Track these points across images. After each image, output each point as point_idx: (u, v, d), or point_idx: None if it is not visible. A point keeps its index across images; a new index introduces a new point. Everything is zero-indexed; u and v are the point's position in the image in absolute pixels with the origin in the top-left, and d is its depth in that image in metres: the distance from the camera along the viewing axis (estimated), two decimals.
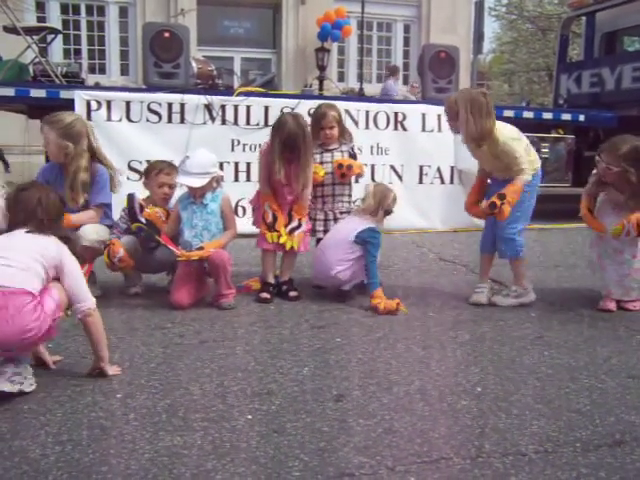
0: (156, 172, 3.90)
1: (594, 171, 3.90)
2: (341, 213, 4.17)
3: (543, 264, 4.68)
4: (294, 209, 3.95)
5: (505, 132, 3.72)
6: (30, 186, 2.65)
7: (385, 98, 7.53)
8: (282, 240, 3.87)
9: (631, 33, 9.36)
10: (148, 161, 5.46)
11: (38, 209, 2.54)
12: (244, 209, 5.83)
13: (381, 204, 3.91)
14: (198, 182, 3.64)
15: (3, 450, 2.00)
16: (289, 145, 3.81)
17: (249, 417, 2.26)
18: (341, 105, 4.80)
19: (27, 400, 2.35)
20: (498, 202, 3.60)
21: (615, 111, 7.99)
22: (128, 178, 5.37)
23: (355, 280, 3.84)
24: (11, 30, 7.01)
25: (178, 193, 3.91)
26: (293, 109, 5.79)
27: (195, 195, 3.70)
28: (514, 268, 3.95)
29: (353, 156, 4.26)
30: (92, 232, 3.62)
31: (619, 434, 2.18)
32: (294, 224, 3.93)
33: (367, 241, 3.77)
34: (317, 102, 6.28)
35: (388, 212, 3.97)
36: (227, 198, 3.82)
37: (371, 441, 2.10)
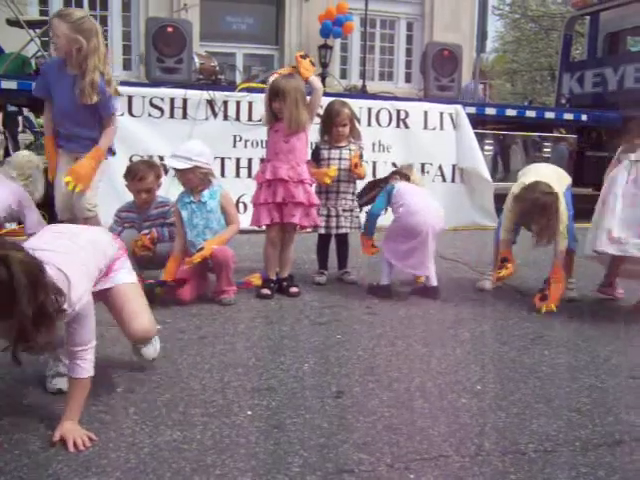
0: (131, 178, 3.88)
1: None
2: (344, 210, 4.17)
3: (544, 263, 4.67)
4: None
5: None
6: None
7: (387, 95, 7.50)
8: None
9: (635, 33, 9.34)
10: (150, 156, 5.48)
11: None
12: (245, 205, 5.82)
13: None
14: (177, 164, 3.62)
15: (3, 442, 2.00)
16: (273, 92, 3.83)
17: (249, 413, 2.27)
18: None
19: (28, 393, 2.36)
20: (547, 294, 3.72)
21: (618, 111, 7.98)
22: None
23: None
24: (14, 23, 7.01)
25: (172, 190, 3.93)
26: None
27: (190, 190, 3.70)
28: (570, 261, 4.02)
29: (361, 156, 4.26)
30: (84, 207, 3.68)
31: (619, 434, 2.18)
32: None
33: None
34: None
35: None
36: (226, 194, 3.80)
37: (370, 438, 2.10)
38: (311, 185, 3.96)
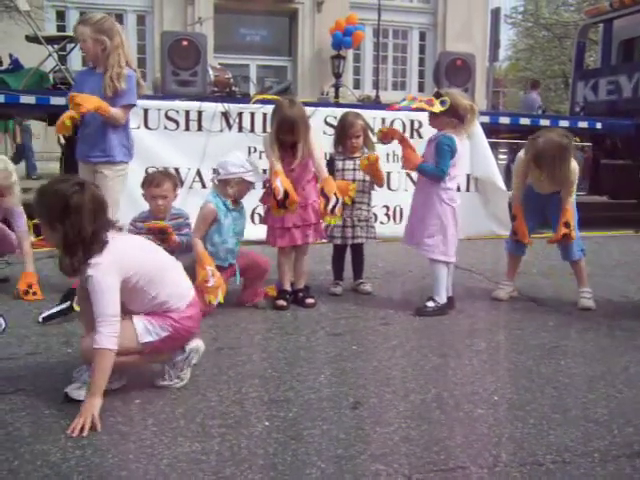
0: (147, 185, 3.92)
1: None
2: (359, 220, 4.19)
3: (559, 272, 4.66)
4: (324, 189, 3.84)
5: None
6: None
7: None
8: (326, 220, 3.90)
9: None
10: (166, 168, 5.52)
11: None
12: (260, 216, 5.85)
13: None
14: (256, 178, 3.82)
15: (25, 453, 2.03)
16: (284, 129, 3.80)
17: (266, 424, 2.28)
18: None
19: (48, 405, 2.38)
20: (567, 230, 3.90)
21: (632, 119, 7.94)
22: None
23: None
24: (33, 39, 7.11)
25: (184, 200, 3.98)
26: (310, 117, 5.81)
27: (232, 199, 3.78)
28: (581, 272, 4.11)
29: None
30: None
31: (637, 445, 2.17)
32: (333, 202, 3.80)
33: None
34: (333, 110, 6.38)
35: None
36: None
37: (388, 449, 2.11)
38: (318, 202, 3.97)
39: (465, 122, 3.76)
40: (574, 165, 3.94)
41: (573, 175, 3.93)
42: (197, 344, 2.65)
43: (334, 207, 3.80)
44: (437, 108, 3.68)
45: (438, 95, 3.74)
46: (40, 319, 3.46)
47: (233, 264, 3.78)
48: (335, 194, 3.80)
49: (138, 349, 2.46)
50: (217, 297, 3.49)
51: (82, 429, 2.16)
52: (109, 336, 2.27)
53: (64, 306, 3.53)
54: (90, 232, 2.32)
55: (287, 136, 3.80)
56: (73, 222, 2.29)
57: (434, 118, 3.81)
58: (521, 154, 4.10)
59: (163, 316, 2.49)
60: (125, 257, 2.41)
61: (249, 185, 3.81)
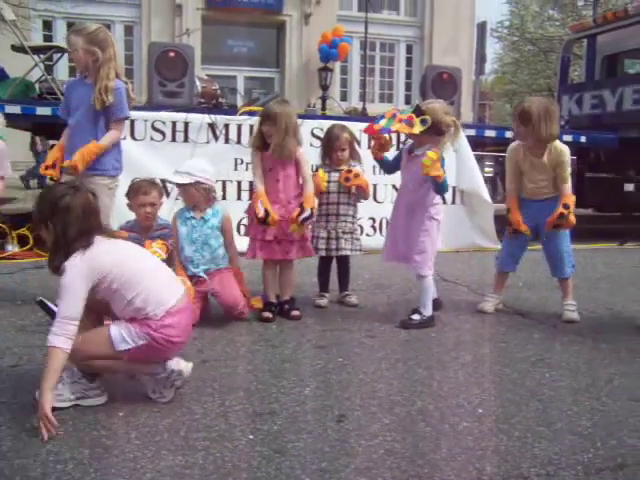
0: (134, 193, 3.90)
1: None
2: (344, 233, 4.19)
3: (544, 285, 4.69)
4: (304, 201, 3.84)
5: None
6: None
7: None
8: (291, 229, 3.82)
9: (632, 56, 9.44)
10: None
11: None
12: (246, 227, 5.84)
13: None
14: (179, 179, 3.71)
15: (4, 469, 2.00)
16: (264, 115, 3.87)
17: (251, 437, 2.26)
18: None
19: (30, 419, 2.35)
20: (566, 211, 3.85)
21: (616, 132, 8.04)
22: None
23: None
24: (19, 49, 7.09)
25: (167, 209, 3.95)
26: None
27: (192, 207, 3.75)
28: (567, 286, 4.11)
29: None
30: None
31: (621, 457, 2.17)
32: (306, 213, 3.80)
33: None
34: (320, 122, 6.39)
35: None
36: (228, 217, 3.87)
37: (372, 462, 2.10)
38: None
39: (447, 136, 3.72)
40: (565, 147, 3.97)
41: (564, 155, 3.93)
42: (181, 367, 2.57)
43: (305, 219, 3.80)
44: (417, 129, 3.59)
45: (419, 111, 3.65)
46: (38, 299, 3.44)
47: (201, 276, 3.74)
48: (312, 209, 3.82)
49: (115, 356, 2.45)
50: None
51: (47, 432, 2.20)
52: (61, 335, 2.30)
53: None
54: (75, 233, 2.39)
55: (267, 126, 3.82)
56: (60, 222, 2.40)
57: (414, 134, 3.72)
58: (513, 145, 4.14)
59: (142, 323, 2.46)
60: (103, 259, 2.43)
61: (189, 189, 3.72)
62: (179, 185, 3.76)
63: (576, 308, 4.03)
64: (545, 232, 3.99)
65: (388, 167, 4.10)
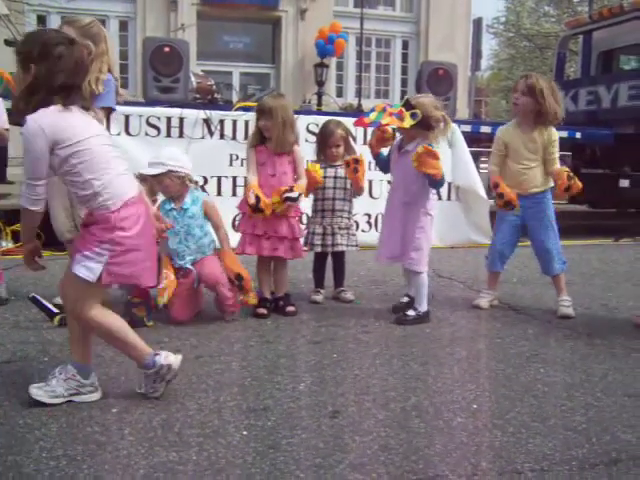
0: None
1: None
2: (340, 228, 4.18)
3: (539, 281, 4.69)
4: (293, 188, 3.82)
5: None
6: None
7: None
8: (272, 199, 3.73)
9: (627, 52, 9.44)
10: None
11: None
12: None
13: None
14: (151, 170, 3.65)
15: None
16: (259, 110, 3.87)
17: (245, 433, 2.26)
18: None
19: (23, 415, 2.34)
20: (571, 181, 3.94)
21: (611, 129, 8.04)
22: None
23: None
24: (12, 44, 7.04)
25: None
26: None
27: (171, 197, 3.71)
28: (559, 282, 4.12)
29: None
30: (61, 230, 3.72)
31: (615, 452, 2.18)
32: (292, 194, 3.75)
33: None
34: (315, 117, 6.38)
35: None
36: (209, 201, 3.82)
37: (367, 458, 2.10)
38: (297, 218, 3.98)
39: (437, 132, 3.70)
40: (555, 131, 4.06)
41: (555, 135, 4.03)
42: (170, 361, 2.52)
43: (289, 199, 3.74)
44: (407, 122, 3.57)
45: (409, 105, 3.63)
46: (31, 295, 3.42)
47: (186, 268, 3.71)
48: (299, 194, 3.80)
49: (97, 290, 2.42)
50: (163, 298, 3.50)
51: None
52: (29, 197, 2.35)
53: (54, 310, 3.46)
54: (59, 83, 2.33)
55: (264, 121, 3.81)
56: (48, 67, 2.31)
57: (404, 128, 3.69)
58: (503, 126, 4.23)
59: (96, 236, 2.35)
60: (68, 124, 2.33)
61: (164, 180, 3.66)
62: (153, 176, 3.67)
63: (571, 304, 4.04)
64: (539, 225, 4.02)
65: (383, 164, 4.06)
